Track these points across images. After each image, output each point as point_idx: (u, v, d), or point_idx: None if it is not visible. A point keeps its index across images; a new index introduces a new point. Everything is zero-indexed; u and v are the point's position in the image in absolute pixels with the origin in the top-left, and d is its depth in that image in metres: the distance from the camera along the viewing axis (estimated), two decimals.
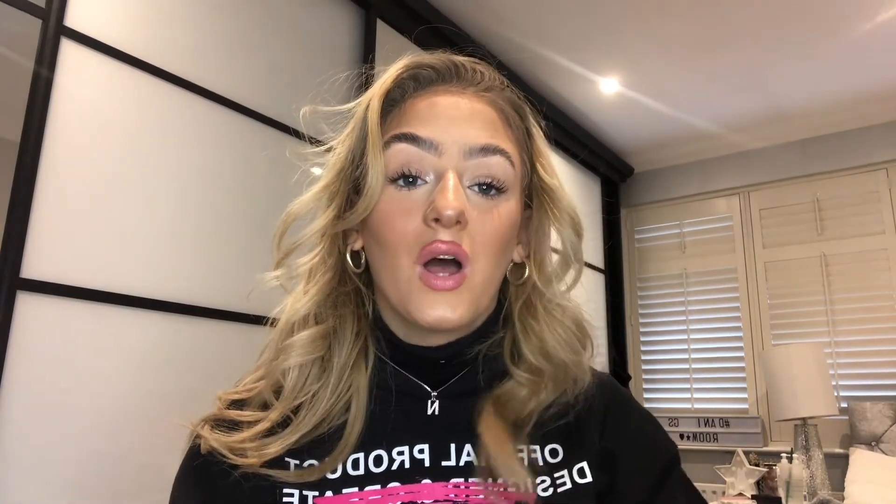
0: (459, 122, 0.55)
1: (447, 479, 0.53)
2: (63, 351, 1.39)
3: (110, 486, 1.42)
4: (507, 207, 0.55)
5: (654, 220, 4.09)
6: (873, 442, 3.05)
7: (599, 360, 0.63)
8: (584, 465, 0.56)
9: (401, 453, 0.54)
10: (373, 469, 0.53)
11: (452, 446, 0.55)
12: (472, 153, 0.54)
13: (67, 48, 1.47)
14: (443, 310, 0.51)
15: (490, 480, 0.53)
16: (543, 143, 0.61)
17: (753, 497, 2.31)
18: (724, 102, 3.37)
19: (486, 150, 0.54)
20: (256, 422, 0.55)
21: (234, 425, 0.55)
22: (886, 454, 2.97)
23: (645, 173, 4.13)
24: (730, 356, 3.67)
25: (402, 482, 0.53)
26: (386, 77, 0.57)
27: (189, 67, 1.73)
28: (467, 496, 0.52)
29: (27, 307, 1.35)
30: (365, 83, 0.64)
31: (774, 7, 2.58)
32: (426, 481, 0.53)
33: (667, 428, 0.65)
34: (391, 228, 0.53)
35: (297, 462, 0.54)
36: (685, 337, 3.82)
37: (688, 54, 2.94)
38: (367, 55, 2.26)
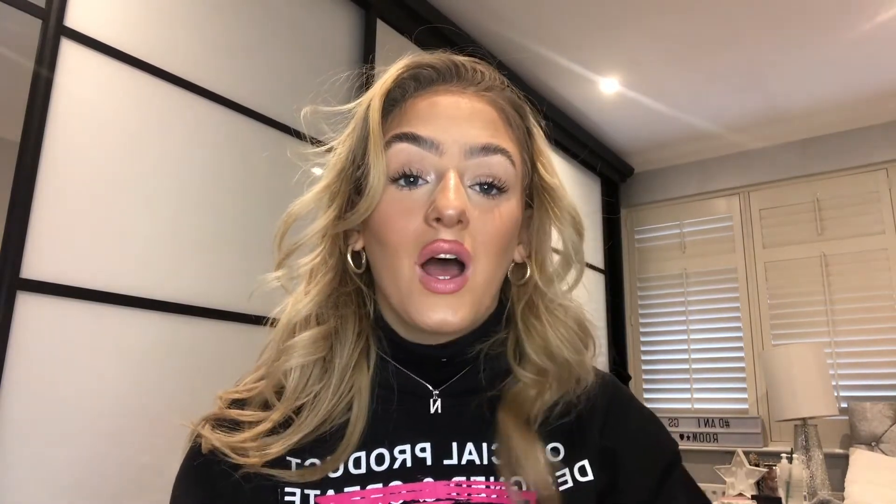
0: (460, 121, 0.55)
1: (449, 478, 0.53)
2: (63, 351, 1.39)
3: (110, 486, 1.42)
4: (509, 207, 0.55)
5: (654, 220, 4.09)
6: (873, 442, 3.05)
7: (600, 360, 0.63)
8: (586, 463, 0.56)
9: (403, 452, 0.54)
10: (374, 468, 0.53)
11: (454, 445, 0.55)
12: (472, 152, 0.54)
13: (67, 48, 1.47)
14: (444, 313, 0.51)
15: (492, 479, 0.54)
16: (544, 142, 0.61)
17: (753, 497, 2.31)
18: (724, 102, 3.37)
19: (487, 149, 0.54)
20: (258, 422, 0.55)
21: (234, 425, 0.55)
22: (886, 454, 2.97)
23: (645, 173, 4.13)
24: (730, 356, 3.67)
25: (404, 481, 0.53)
26: (386, 77, 0.57)
27: (189, 68, 1.73)
28: (469, 495, 0.52)
29: (27, 307, 1.35)
30: (365, 83, 0.64)
31: (774, 7, 2.58)
32: (428, 480, 0.53)
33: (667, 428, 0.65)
34: (392, 228, 0.53)
35: (299, 461, 0.54)
36: (685, 337, 3.82)
37: (688, 54, 2.94)
38: (367, 55, 2.26)
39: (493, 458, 0.55)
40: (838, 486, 2.89)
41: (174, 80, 1.68)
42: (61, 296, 1.40)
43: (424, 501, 0.52)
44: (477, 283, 0.53)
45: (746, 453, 2.46)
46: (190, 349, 1.64)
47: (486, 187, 0.54)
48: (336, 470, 0.53)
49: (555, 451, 0.57)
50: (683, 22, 2.69)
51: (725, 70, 3.05)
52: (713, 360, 3.73)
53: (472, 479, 0.53)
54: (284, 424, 0.54)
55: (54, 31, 1.44)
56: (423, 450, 0.54)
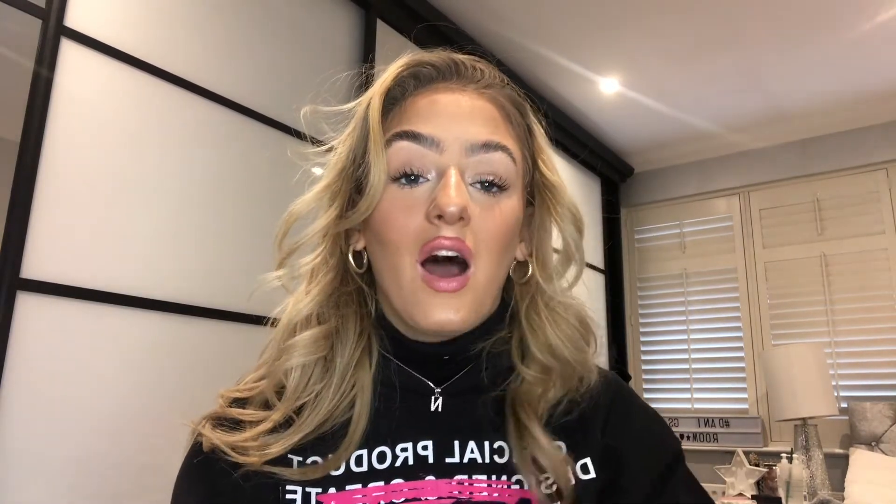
0: (460, 118, 0.55)
1: (451, 476, 0.53)
2: (63, 351, 1.39)
3: (110, 486, 1.42)
4: (510, 204, 0.55)
5: (654, 220, 4.09)
6: (873, 442, 3.05)
7: (600, 359, 0.63)
8: (588, 461, 0.56)
9: (404, 450, 0.54)
10: (376, 466, 0.53)
11: (456, 443, 0.55)
12: (473, 150, 0.54)
13: (67, 48, 1.47)
14: (446, 313, 0.51)
15: (493, 477, 0.53)
16: (544, 139, 0.61)
17: (753, 497, 2.31)
18: (724, 102, 3.37)
19: (488, 146, 0.54)
20: (258, 421, 0.55)
21: (235, 424, 0.55)
22: (886, 454, 2.97)
23: (645, 173, 4.13)
24: (730, 356, 3.67)
25: (406, 479, 0.53)
26: (386, 76, 0.57)
27: (189, 67, 1.73)
28: (471, 493, 0.52)
29: (27, 307, 1.35)
30: (365, 82, 0.63)
31: (774, 7, 2.58)
32: (430, 478, 0.53)
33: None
34: (392, 227, 0.53)
35: (301, 459, 0.54)
36: (685, 337, 3.82)
37: (688, 54, 2.94)
38: (367, 55, 2.26)
39: (496, 457, 0.55)
40: (838, 486, 2.89)
41: (174, 79, 1.68)
42: (61, 296, 1.40)
43: (426, 499, 0.52)
44: (479, 282, 0.53)
45: (746, 453, 2.46)
46: (190, 349, 1.64)
47: (487, 185, 0.54)
48: (338, 468, 0.53)
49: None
50: (683, 22, 2.69)
51: (725, 70, 3.05)
52: (713, 360, 3.73)
53: (474, 477, 0.53)
54: (285, 424, 0.54)
55: (54, 31, 1.44)
56: (424, 448, 0.54)
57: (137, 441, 1.47)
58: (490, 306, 0.57)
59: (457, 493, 0.52)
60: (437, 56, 0.59)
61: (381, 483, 0.52)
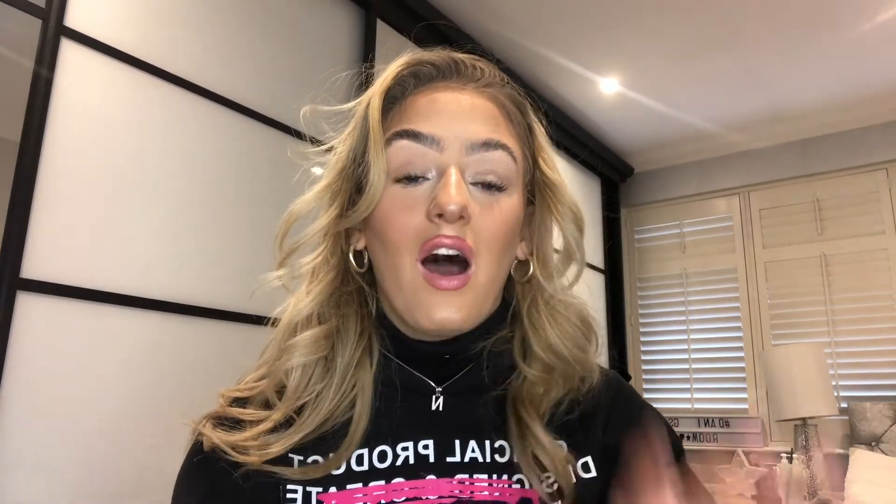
0: (461, 117, 0.55)
1: (452, 475, 0.53)
2: (63, 351, 1.39)
3: (110, 486, 1.42)
4: (510, 202, 0.55)
5: (653, 220, 4.09)
6: (873, 442, 3.05)
7: (600, 359, 0.63)
8: (589, 459, 0.56)
9: (405, 449, 0.54)
10: (377, 465, 0.53)
11: (457, 442, 0.55)
12: (473, 148, 0.54)
13: (67, 48, 1.47)
14: (447, 312, 0.51)
15: (494, 477, 0.53)
16: (545, 138, 0.61)
17: (753, 497, 2.31)
18: (724, 102, 3.37)
19: (488, 144, 0.54)
20: (259, 421, 0.55)
21: (236, 423, 0.55)
22: (886, 454, 2.97)
23: (645, 173, 4.13)
24: (730, 356, 3.67)
25: (407, 478, 0.53)
26: (386, 75, 0.57)
27: (189, 67, 1.73)
28: (472, 492, 0.52)
29: (27, 307, 1.35)
30: (365, 82, 0.63)
31: (774, 7, 2.58)
32: (431, 477, 0.53)
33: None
34: (393, 225, 0.53)
35: (301, 458, 0.54)
36: (685, 337, 3.82)
37: (688, 54, 2.94)
38: (367, 55, 2.26)
39: (497, 456, 0.55)
40: (838, 486, 2.89)
41: (174, 79, 1.68)
42: (61, 296, 1.40)
43: (427, 499, 0.52)
44: (479, 281, 0.53)
45: (746, 453, 2.46)
46: (190, 349, 1.64)
47: (487, 183, 0.54)
48: (338, 467, 0.53)
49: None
50: (683, 22, 2.69)
51: (725, 70, 3.05)
52: (713, 360, 3.72)
53: (475, 476, 0.53)
54: (286, 424, 0.54)
55: (54, 31, 1.44)
56: (425, 447, 0.54)
57: (137, 441, 1.47)
58: (491, 305, 0.57)
59: (458, 492, 0.52)
60: (437, 55, 0.59)
61: (382, 482, 0.52)
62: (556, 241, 0.61)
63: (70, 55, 1.47)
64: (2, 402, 1.28)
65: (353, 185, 0.57)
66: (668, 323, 3.91)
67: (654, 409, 0.64)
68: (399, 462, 0.53)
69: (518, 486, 0.53)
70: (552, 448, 0.52)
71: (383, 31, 2.37)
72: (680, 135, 3.74)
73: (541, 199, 0.60)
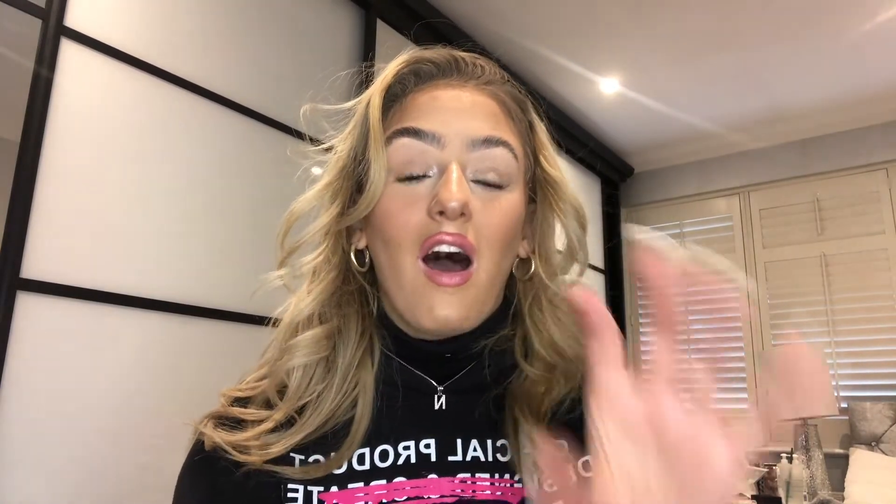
0: (461, 114, 0.55)
1: (453, 474, 0.53)
2: (63, 351, 1.39)
3: (111, 485, 1.42)
4: (512, 199, 0.55)
5: (654, 220, 4.09)
6: (873, 442, 3.05)
7: None
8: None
9: (406, 448, 0.54)
10: (378, 464, 0.53)
11: (459, 441, 0.54)
12: (474, 145, 0.54)
13: (67, 48, 1.47)
14: (448, 310, 0.51)
15: (497, 476, 0.53)
16: (546, 135, 0.61)
17: (753, 497, 2.31)
18: (724, 102, 3.37)
19: (489, 141, 0.54)
20: (260, 421, 0.55)
21: (237, 423, 0.55)
22: (886, 454, 2.97)
23: (645, 173, 4.13)
24: (730, 356, 3.67)
25: (408, 477, 0.52)
26: (386, 73, 0.57)
27: (189, 68, 1.73)
28: (474, 491, 0.52)
29: (27, 307, 1.34)
30: (366, 80, 0.63)
31: (775, 7, 2.58)
32: (432, 476, 0.53)
33: None
34: (393, 223, 0.53)
35: (303, 458, 0.53)
36: (685, 337, 3.81)
37: (688, 54, 2.94)
38: (366, 55, 2.26)
39: (499, 455, 0.55)
40: (838, 486, 2.89)
41: (174, 80, 1.68)
42: (61, 296, 1.40)
43: (429, 498, 0.51)
44: (481, 278, 0.52)
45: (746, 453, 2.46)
46: (190, 349, 1.64)
47: (488, 180, 0.54)
48: (340, 467, 0.53)
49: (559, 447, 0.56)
50: (684, 22, 2.69)
51: (725, 70, 3.05)
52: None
53: (477, 475, 0.53)
54: (287, 424, 0.54)
55: (54, 31, 1.44)
56: (427, 446, 0.54)
57: (137, 441, 1.47)
58: (492, 304, 0.56)
59: (459, 491, 0.52)
60: (438, 53, 0.59)
61: (384, 481, 0.52)
62: (558, 239, 0.61)
63: (70, 55, 1.47)
64: (2, 402, 1.28)
65: (353, 183, 0.57)
66: None
67: None
68: (401, 461, 0.53)
69: (520, 485, 0.53)
70: (546, 449, 0.52)
71: (383, 30, 2.37)
72: (680, 135, 3.75)
73: (542, 197, 0.60)
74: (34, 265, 1.36)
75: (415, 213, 0.52)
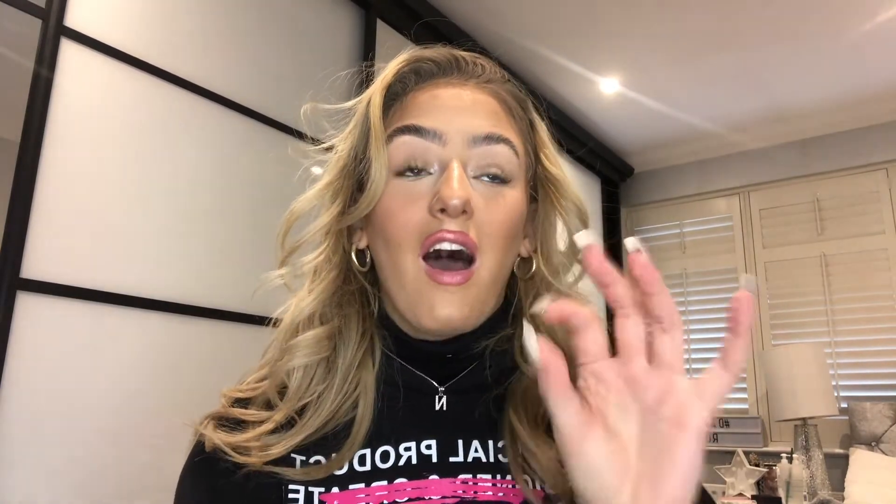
0: (462, 111, 0.54)
1: (455, 475, 0.53)
2: (63, 351, 1.39)
3: (110, 486, 1.42)
4: (513, 196, 0.55)
5: (654, 220, 4.09)
6: (873, 442, 3.05)
7: None
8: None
9: (408, 449, 0.54)
10: (379, 465, 0.53)
11: (460, 442, 0.54)
12: (476, 142, 0.53)
13: (67, 48, 1.47)
14: (450, 309, 0.51)
15: (498, 477, 0.53)
16: (547, 134, 0.61)
17: (753, 497, 2.31)
18: (724, 102, 3.37)
19: (491, 138, 0.54)
20: (260, 422, 0.54)
21: (237, 424, 0.55)
22: (886, 454, 2.97)
23: (645, 173, 4.13)
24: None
25: (410, 478, 0.52)
26: (387, 72, 0.57)
27: (189, 68, 1.73)
28: (475, 493, 0.52)
29: (27, 307, 1.34)
30: (366, 80, 0.63)
31: (774, 7, 2.58)
32: (433, 477, 0.52)
33: None
34: (394, 221, 0.52)
35: (304, 459, 0.53)
36: (685, 337, 3.81)
37: (688, 54, 2.94)
38: (367, 55, 2.26)
39: (500, 456, 0.54)
40: (838, 486, 2.89)
41: (174, 80, 1.68)
42: (61, 296, 1.40)
43: (430, 499, 0.51)
44: (483, 277, 0.52)
45: (746, 453, 2.46)
46: (190, 349, 1.64)
47: (490, 176, 0.54)
48: (341, 467, 0.53)
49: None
50: (684, 22, 2.69)
51: (725, 70, 3.06)
52: (713, 360, 3.72)
53: (479, 476, 0.53)
54: (287, 425, 0.54)
55: (54, 31, 1.44)
56: (428, 447, 0.54)
57: (137, 441, 1.47)
58: (494, 303, 0.56)
59: (461, 492, 0.52)
60: (438, 52, 0.59)
61: (385, 482, 0.52)
62: (560, 238, 0.60)
63: (70, 55, 1.47)
64: (2, 402, 1.28)
65: (354, 182, 0.57)
66: None
67: None
68: (402, 462, 0.53)
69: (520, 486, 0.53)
70: (539, 451, 0.52)
71: (383, 30, 2.37)
72: (680, 135, 3.75)
73: (544, 195, 0.59)
74: (34, 265, 1.36)
75: (416, 212, 0.52)
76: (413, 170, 0.53)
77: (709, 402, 0.39)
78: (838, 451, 3.19)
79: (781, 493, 2.30)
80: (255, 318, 1.71)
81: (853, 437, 3.13)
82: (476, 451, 0.54)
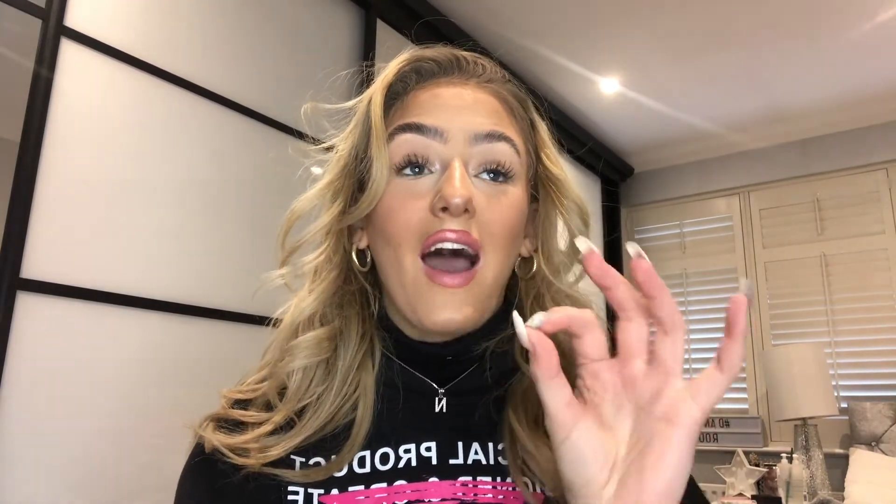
0: (463, 110, 0.54)
1: (455, 478, 0.52)
2: (63, 351, 1.39)
3: (111, 485, 1.42)
4: (515, 194, 0.54)
5: (654, 220, 4.09)
6: (873, 442, 3.05)
7: None
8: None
9: (407, 451, 0.53)
10: (379, 467, 0.53)
11: (460, 444, 0.54)
12: (477, 140, 0.53)
13: (67, 48, 1.47)
14: (450, 312, 0.50)
15: (498, 479, 0.53)
16: (547, 134, 0.61)
17: (753, 497, 2.31)
18: (724, 102, 3.37)
19: (492, 136, 0.54)
20: (260, 423, 0.54)
21: (236, 425, 0.55)
22: (886, 454, 2.97)
23: (645, 173, 4.13)
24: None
25: (409, 480, 0.52)
26: (388, 71, 0.57)
27: (189, 68, 1.73)
28: (475, 495, 0.52)
29: (27, 307, 1.34)
30: (366, 80, 0.63)
31: (774, 7, 2.58)
32: (433, 479, 0.52)
33: None
34: (395, 220, 0.52)
35: (303, 460, 0.53)
36: (685, 337, 3.81)
37: (688, 54, 2.94)
38: (367, 55, 2.26)
39: (500, 458, 0.54)
40: (838, 486, 2.89)
41: (174, 80, 1.68)
42: (61, 296, 1.40)
43: (429, 501, 0.51)
44: (485, 277, 0.52)
45: (746, 453, 2.46)
46: (190, 349, 1.64)
47: (492, 174, 0.53)
48: (340, 469, 0.53)
49: None
50: (684, 22, 2.69)
51: (725, 70, 3.06)
52: (709, 362, 3.72)
53: (479, 478, 0.53)
54: (286, 426, 0.54)
55: (54, 31, 1.44)
56: (428, 449, 0.54)
57: (137, 441, 1.47)
58: (495, 303, 0.56)
59: (461, 494, 0.51)
60: (439, 51, 0.59)
61: (384, 484, 0.52)
62: (560, 237, 0.60)
63: (70, 55, 1.47)
64: (2, 402, 1.28)
65: (355, 181, 0.57)
66: None
67: None
68: (401, 464, 0.53)
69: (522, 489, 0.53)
70: (538, 454, 0.51)
71: (383, 30, 2.37)
72: (680, 135, 3.75)
73: (545, 195, 0.59)
74: (34, 265, 1.36)
75: (417, 211, 0.52)
76: (414, 166, 0.53)
77: (702, 402, 0.39)
78: (838, 451, 3.20)
79: (781, 493, 2.30)
80: (255, 318, 1.71)
81: (853, 437, 3.13)
82: (476, 453, 0.54)
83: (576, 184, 0.61)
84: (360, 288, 0.58)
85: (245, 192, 1.82)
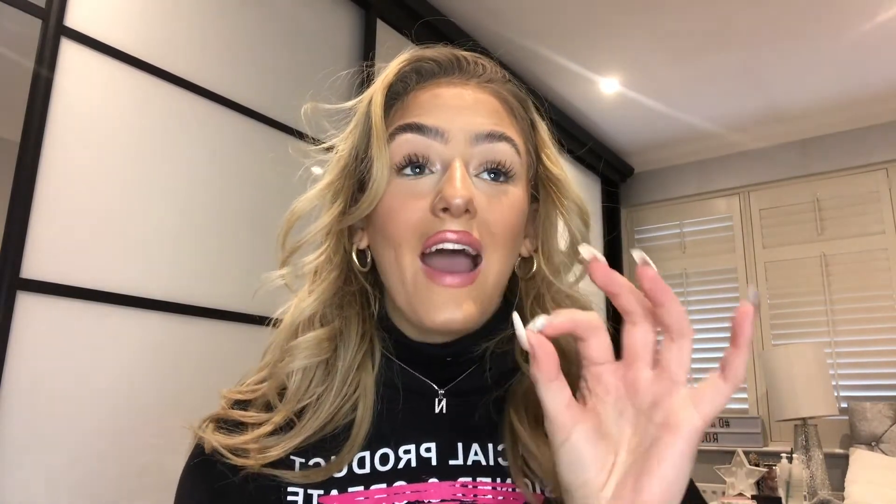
0: (464, 110, 0.54)
1: (454, 479, 0.52)
2: (63, 351, 1.39)
3: (110, 486, 1.42)
4: (516, 194, 0.54)
5: (654, 220, 4.09)
6: (873, 442, 3.05)
7: None
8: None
9: (407, 452, 0.53)
10: (378, 468, 0.53)
11: (460, 445, 0.54)
12: (478, 139, 0.53)
13: (67, 48, 1.47)
14: (450, 312, 0.50)
15: (498, 480, 0.53)
16: (548, 134, 0.61)
17: (753, 497, 2.31)
18: (724, 102, 3.37)
19: (492, 136, 0.54)
20: (259, 424, 0.54)
21: (236, 426, 0.55)
22: (886, 454, 2.97)
23: (645, 173, 4.13)
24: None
25: (409, 481, 0.52)
26: (388, 71, 0.57)
27: (189, 68, 1.73)
28: (475, 496, 0.52)
29: (27, 307, 1.34)
30: (366, 80, 0.63)
31: (774, 7, 2.58)
32: (433, 480, 0.52)
33: None
34: (395, 220, 0.52)
35: (303, 461, 0.53)
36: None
37: (688, 54, 2.94)
38: (367, 55, 2.26)
39: (500, 459, 0.54)
40: (838, 486, 2.89)
41: (174, 80, 1.68)
42: (61, 296, 1.40)
43: (429, 502, 0.51)
44: (487, 277, 0.52)
45: (746, 453, 2.46)
46: (190, 349, 1.64)
47: (492, 174, 0.53)
48: (340, 470, 0.52)
49: None
50: (684, 22, 2.69)
51: (726, 70, 3.05)
52: (713, 360, 3.72)
53: (478, 479, 0.52)
54: (286, 427, 0.54)
55: (54, 31, 1.44)
56: (427, 450, 0.53)
57: (137, 441, 1.47)
58: (496, 303, 0.56)
59: (460, 495, 0.51)
60: (439, 51, 0.59)
61: (384, 485, 0.52)
62: (560, 237, 0.60)
63: (70, 55, 1.47)
64: (2, 402, 1.28)
65: (355, 182, 0.57)
66: None
67: None
68: (401, 465, 0.53)
69: (522, 489, 0.53)
70: (539, 454, 0.51)
71: (383, 30, 2.37)
72: (680, 135, 3.75)
73: (545, 195, 0.59)
74: (34, 265, 1.36)
75: (417, 211, 0.51)
76: (415, 166, 0.53)
77: (704, 410, 0.38)
78: (838, 451, 3.19)
79: (781, 493, 2.30)
80: (255, 318, 1.71)
81: (853, 436, 3.13)
82: (476, 454, 0.54)
83: (576, 184, 0.60)
84: (360, 288, 0.58)
85: (245, 192, 1.82)
